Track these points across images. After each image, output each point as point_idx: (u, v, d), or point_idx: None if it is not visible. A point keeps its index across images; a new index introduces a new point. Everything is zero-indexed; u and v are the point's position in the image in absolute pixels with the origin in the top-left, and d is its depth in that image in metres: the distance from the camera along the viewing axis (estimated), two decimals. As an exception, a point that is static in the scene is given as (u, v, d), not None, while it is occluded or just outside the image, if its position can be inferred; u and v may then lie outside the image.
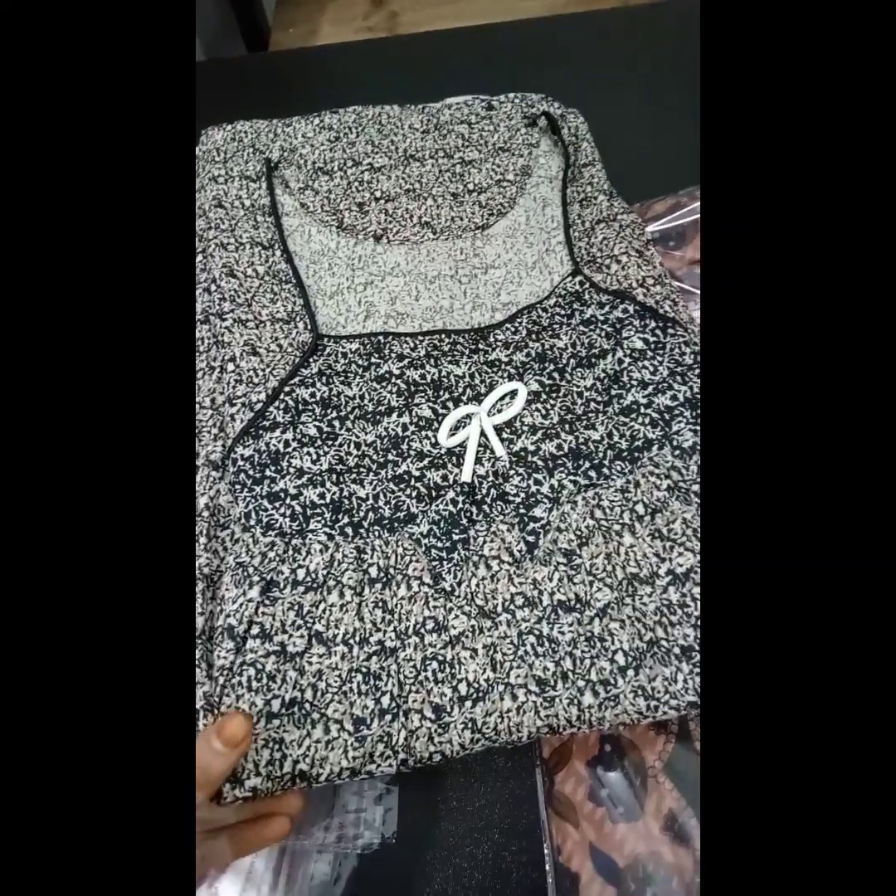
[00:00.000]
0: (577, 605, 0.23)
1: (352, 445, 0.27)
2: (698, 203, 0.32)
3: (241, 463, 0.25)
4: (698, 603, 0.23)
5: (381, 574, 0.24)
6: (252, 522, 0.24)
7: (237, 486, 0.25)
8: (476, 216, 0.33)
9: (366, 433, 0.27)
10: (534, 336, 0.29)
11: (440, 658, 0.22)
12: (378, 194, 0.33)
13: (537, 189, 0.33)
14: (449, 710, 0.22)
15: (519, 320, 0.30)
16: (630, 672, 0.22)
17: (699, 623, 0.22)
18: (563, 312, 0.29)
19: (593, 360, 0.28)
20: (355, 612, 0.23)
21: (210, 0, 0.71)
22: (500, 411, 0.27)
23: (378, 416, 0.27)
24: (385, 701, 0.22)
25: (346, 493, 0.25)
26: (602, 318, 0.28)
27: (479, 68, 0.46)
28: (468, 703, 0.22)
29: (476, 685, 0.22)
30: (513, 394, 0.28)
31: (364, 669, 0.22)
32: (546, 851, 0.24)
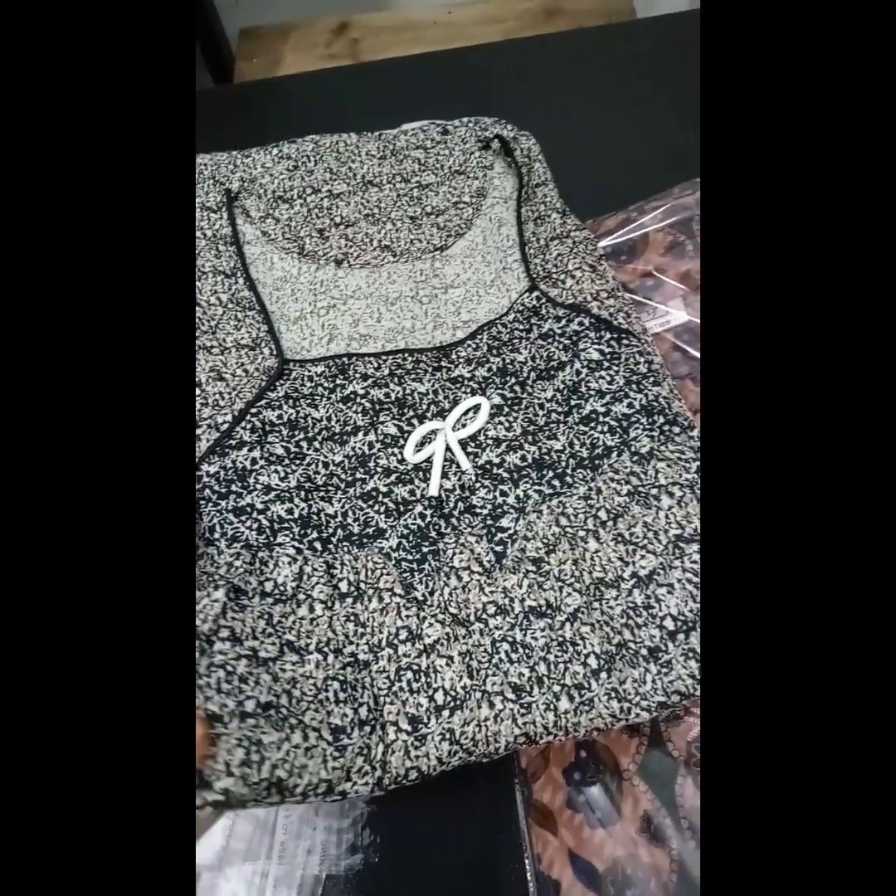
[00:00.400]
0: (548, 611, 0.24)
1: (320, 465, 0.27)
2: (646, 217, 0.33)
3: (206, 479, 0.26)
4: (662, 604, 0.23)
5: (352, 588, 0.24)
6: (216, 535, 0.24)
7: (202, 502, 0.25)
8: (435, 238, 0.34)
9: (333, 453, 0.27)
10: (494, 351, 0.30)
11: (415, 667, 0.22)
12: (338, 220, 0.34)
13: (493, 210, 0.34)
14: (426, 720, 0.22)
15: (479, 337, 0.31)
16: (603, 675, 0.22)
17: (663, 623, 0.23)
18: (521, 327, 0.30)
19: (552, 372, 0.29)
20: (327, 625, 0.23)
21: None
22: (464, 426, 0.28)
23: (345, 437, 0.28)
24: (363, 712, 0.22)
25: (314, 510, 0.26)
26: (559, 331, 0.29)
27: (439, 93, 0.47)
28: (445, 713, 0.22)
29: (453, 693, 0.22)
30: (476, 408, 0.28)
31: (341, 678, 0.22)
32: (527, 860, 0.25)
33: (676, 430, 0.26)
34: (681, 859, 0.22)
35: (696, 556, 0.24)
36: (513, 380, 0.29)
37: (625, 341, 0.28)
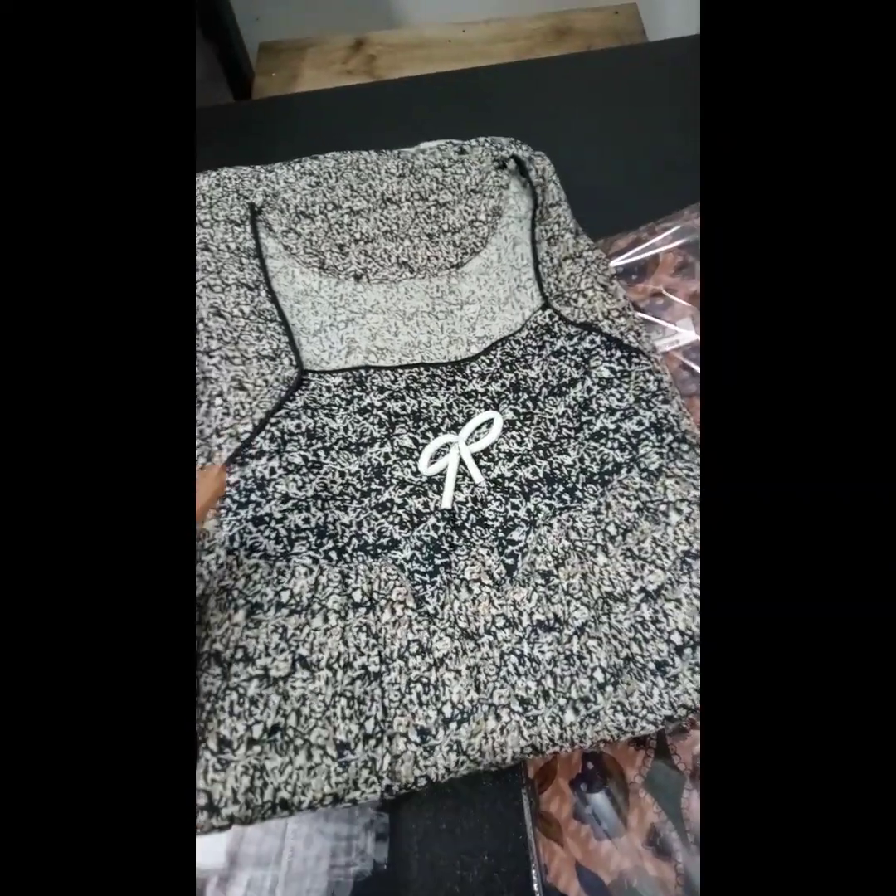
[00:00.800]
0: (556, 624, 0.24)
1: (336, 475, 0.28)
2: (657, 238, 0.34)
3: (227, 488, 0.26)
4: (669, 618, 0.24)
5: (365, 598, 0.25)
6: (236, 545, 0.25)
7: (222, 511, 0.26)
8: (451, 255, 0.34)
9: (349, 463, 0.28)
10: (507, 367, 0.31)
11: (424, 680, 0.23)
12: (357, 236, 0.35)
13: (508, 228, 0.35)
14: (434, 732, 0.22)
15: (493, 353, 0.31)
16: (608, 688, 0.23)
17: (671, 638, 0.23)
18: (534, 344, 0.31)
19: (564, 388, 0.29)
20: (339, 637, 0.24)
21: (195, 49, 0.74)
22: (477, 440, 0.29)
23: (361, 447, 0.28)
24: (369, 725, 0.22)
25: (330, 519, 0.26)
26: (571, 348, 0.30)
27: (452, 112, 0.48)
28: (453, 725, 0.22)
29: (460, 706, 0.23)
30: (489, 423, 0.29)
31: (348, 694, 0.23)
32: (533, 871, 0.25)
33: (685, 447, 0.27)
34: (687, 873, 0.23)
35: None
36: (525, 395, 0.30)
37: (635, 360, 0.29)
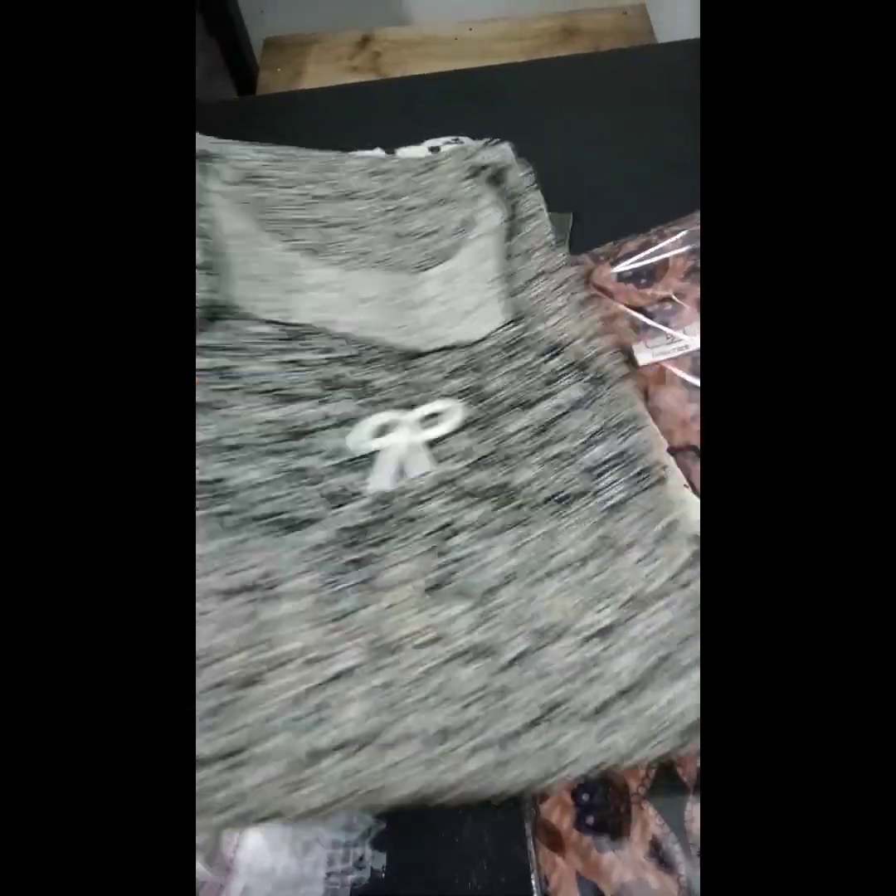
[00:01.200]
0: (488, 651, 0.21)
1: (247, 423, 0.23)
2: (667, 241, 0.33)
3: None
4: (617, 659, 0.22)
5: (261, 581, 0.21)
6: None
7: None
8: (415, 257, 0.31)
9: (265, 411, 0.24)
10: (469, 370, 0.28)
11: (319, 694, 0.20)
12: (317, 218, 0.31)
13: (479, 240, 0.32)
14: (321, 757, 0.19)
15: (452, 354, 0.28)
16: (541, 726, 0.20)
17: (619, 678, 0.21)
18: (498, 358, 0.28)
19: (527, 407, 0.27)
20: (215, 627, 0.20)
21: (199, 42, 0.73)
22: (428, 428, 0.25)
23: (287, 399, 0.24)
24: (230, 741, 0.19)
25: (229, 474, 0.22)
26: (537, 367, 0.27)
27: (459, 110, 0.48)
28: (344, 751, 0.19)
29: (359, 730, 0.19)
30: (445, 413, 0.26)
31: (209, 701, 0.19)
32: (533, 882, 0.25)
33: (652, 480, 0.25)
34: (689, 886, 0.22)
35: (659, 614, 0.22)
36: (484, 404, 0.27)
37: (606, 384, 0.27)
